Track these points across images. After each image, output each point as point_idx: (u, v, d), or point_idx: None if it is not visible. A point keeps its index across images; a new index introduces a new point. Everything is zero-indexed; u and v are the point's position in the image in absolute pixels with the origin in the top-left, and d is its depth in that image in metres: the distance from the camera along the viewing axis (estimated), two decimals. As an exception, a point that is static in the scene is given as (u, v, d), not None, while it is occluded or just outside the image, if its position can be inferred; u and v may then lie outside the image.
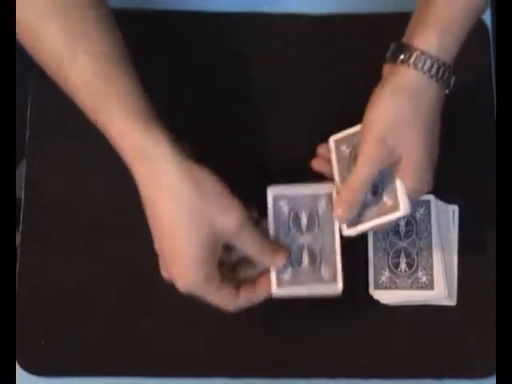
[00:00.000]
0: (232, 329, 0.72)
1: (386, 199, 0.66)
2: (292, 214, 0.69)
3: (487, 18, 0.78)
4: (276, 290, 0.67)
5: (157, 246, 0.64)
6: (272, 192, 0.69)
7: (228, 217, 0.62)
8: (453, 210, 0.74)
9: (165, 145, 0.61)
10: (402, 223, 0.73)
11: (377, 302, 0.73)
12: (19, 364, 0.72)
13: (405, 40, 0.66)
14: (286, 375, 0.72)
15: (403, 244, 0.73)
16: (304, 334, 0.73)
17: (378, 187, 0.67)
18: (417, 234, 0.73)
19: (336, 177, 0.69)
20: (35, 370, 0.72)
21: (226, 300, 0.65)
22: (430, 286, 0.71)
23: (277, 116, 0.77)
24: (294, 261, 0.68)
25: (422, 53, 0.63)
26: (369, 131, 0.65)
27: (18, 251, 0.73)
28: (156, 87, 0.79)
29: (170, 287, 0.72)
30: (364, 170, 0.65)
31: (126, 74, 0.63)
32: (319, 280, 0.68)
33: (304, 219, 0.70)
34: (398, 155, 0.64)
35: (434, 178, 0.66)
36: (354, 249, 0.73)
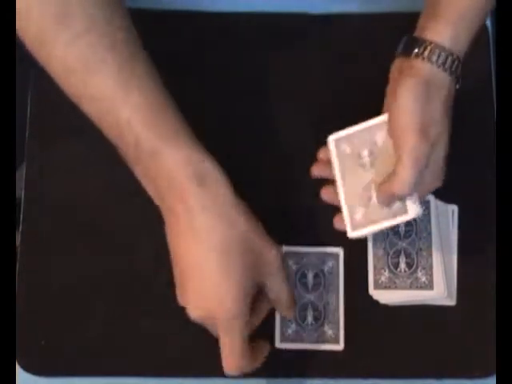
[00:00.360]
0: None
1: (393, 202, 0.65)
2: (299, 273, 0.73)
3: (487, 17, 0.78)
4: (279, 345, 0.71)
5: (187, 280, 0.62)
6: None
7: (272, 252, 0.63)
8: (452, 209, 0.74)
9: (221, 172, 0.62)
10: (402, 223, 0.73)
11: (377, 302, 0.73)
12: (19, 364, 0.72)
13: (417, 34, 0.65)
14: (286, 375, 0.72)
15: (403, 244, 0.73)
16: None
17: None
18: (416, 233, 0.73)
19: (337, 177, 0.68)
20: (35, 370, 0.72)
21: (237, 352, 0.62)
22: (429, 285, 0.71)
23: (276, 116, 0.77)
24: (298, 317, 0.71)
25: (436, 46, 0.63)
26: (407, 127, 0.63)
27: (18, 251, 0.73)
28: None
29: (169, 287, 0.72)
30: (411, 170, 0.62)
31: (174, 105, 0.63)
32: (321, 338, 0.71)
33: (310, 278, 0.72)
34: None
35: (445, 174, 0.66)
36: (353, 248, 0.74)
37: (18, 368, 0.71)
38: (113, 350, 0.72)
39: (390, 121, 0.65)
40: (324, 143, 0.71)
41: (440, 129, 0.64)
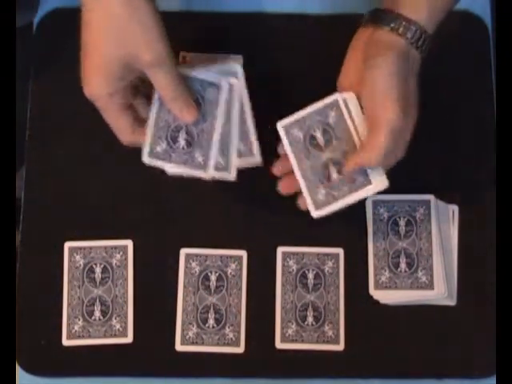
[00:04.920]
0: (232, 329, 0.72)
1: (357, 176, 0.66)
2: (300, 273, 0.73)
3: (487, 17, 0.78)
4: (279, 345, 0.72)
5: (82, 53, 0.63)
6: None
7: (149, 49, 0.62)
8: (453, 209, 0.74)
9: None
10: (402, 223, 0.73)
11: (377, 302, 0.73)
12: (19, 364, 0.72)
13: (390, 6, 0.65)
14: (286, 375, 0.72)
15: (403, 244, 0.73)
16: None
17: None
18: (417, 234, 0.73)
19: (293, 162, 0.68)
20: (35, 369, 0.72)
21: (123, 130, 0.65)
22: (429, 285, 0.71)
23: (277, 116, 0.77)
24: (298, 317, 0.72)
25: (413, 23, 0.63)
26: (388, 98, 0.63)
27: (18, 251, 0.73)
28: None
29: (168, 286, 0.72)
30: (385, 140, 0.62)
31: None
32: (321, 338, 0.72)
33: (311, 278, 0.73)
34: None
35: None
36: (353, 249, 0.74)
37: (18, 368, 0.71)
38: (113, 350, 0.72)
39: (365, 90, 0.65)
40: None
41: (414, 102, 0.64)
